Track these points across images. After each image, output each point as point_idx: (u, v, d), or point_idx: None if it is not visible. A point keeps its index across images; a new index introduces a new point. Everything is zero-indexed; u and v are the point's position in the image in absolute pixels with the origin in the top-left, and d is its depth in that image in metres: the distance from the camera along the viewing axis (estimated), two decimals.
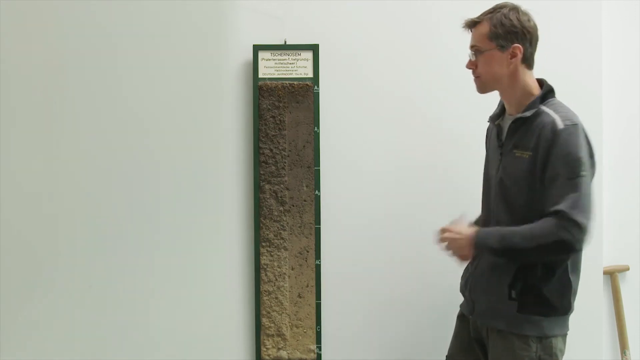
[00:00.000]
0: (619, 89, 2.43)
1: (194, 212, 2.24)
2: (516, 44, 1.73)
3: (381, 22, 2.26)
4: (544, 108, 1.72)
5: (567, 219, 1.59)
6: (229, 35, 2.25)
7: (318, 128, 2.22)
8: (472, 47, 1.80)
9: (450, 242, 1.77)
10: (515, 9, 1.75)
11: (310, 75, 2.22)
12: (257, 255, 2.21)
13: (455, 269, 2.25)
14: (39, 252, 2.23)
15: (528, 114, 1.72)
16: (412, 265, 2.24)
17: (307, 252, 2.21)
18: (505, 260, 1.71)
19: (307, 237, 2.21)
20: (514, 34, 1.73)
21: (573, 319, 2.23)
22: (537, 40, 1.77)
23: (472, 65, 1.81)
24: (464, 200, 2.25)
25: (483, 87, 1.81)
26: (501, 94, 1.83)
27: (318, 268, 2.21)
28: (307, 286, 2.21)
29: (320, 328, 2.21)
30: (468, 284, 1.87)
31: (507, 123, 1.80)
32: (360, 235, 2.25)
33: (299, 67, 2.22)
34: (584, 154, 1.64)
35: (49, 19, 2.18)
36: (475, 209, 2.28)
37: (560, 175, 1.62)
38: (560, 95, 2.25)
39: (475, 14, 2.26)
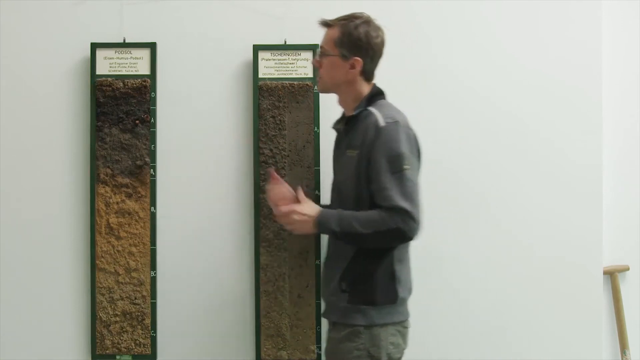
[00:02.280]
0: (619, 90, 2.42)
1: (193, 212, 2.24)
2: (357, 57, 1.80)
3: (382, 22, 2.25)
4: (370, 108, 1.81)
5: (397, 209, 1.68)
6: (229, 35, 2.25)
7: (318, 128, 2.22)
8: (320, 47, 1.89)
9: (295, 221, 1.82)
10: (367, 22, 1.82)
11: (310, 75, 2.22)
12: (257, 255, 2.21)
13: (455, 269, 2.26)
14: (39, 251, 2.25)
15: (355, 112, 1.83)
16: (411, 264, 2.23)
17: (307, 252, 2.21)
18: (345, 242, 1.78)
19: (307, 237, 2.20)
20: (357, 47, 1.80)
21: (573, 319, 2.25)
22: (380, 56, 1.85)
23: (317, 63, 1.90)
24: (463, 198, 2.26)
25: (323, 88, 1.92)
26: (338, 98, 1.92)
27: (318, 268, 2.21)
28: (307, 286, 2.21)
29: (320, 328, 2.21)
30: (321, 289, 1.97)
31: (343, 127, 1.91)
32: None
33: (299, 67, 2.22)
34: (405, 149, 1.73)
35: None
36: (473, 207, 2.29)
37: (384, 170, 1.71)
38: (560, 96, 2.27)
39: (472, 15, 2.28)
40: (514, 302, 2.26)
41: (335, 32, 1.82)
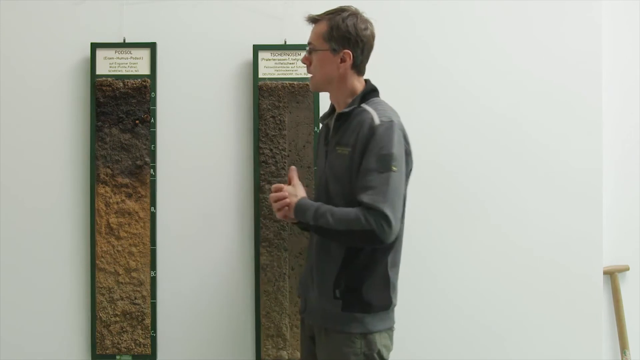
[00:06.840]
0: (618, 92, 2.42)
1: (193, 212, 2.24)
2: (347, 50, 1.76)
3: (379, 23, 2.25)
4: (364, 105, 1.76)
5: (376, 211, 1.63)
6: (229, 35, 2.25)
7: (318, 128, 2.22)
8: (309, 43, 1.83)
9: (282, 198, 1.79)
10: (355, 14, 1.78)
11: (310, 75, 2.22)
12: (257, 255, 2.21)
13: (453, 269, 2.26)
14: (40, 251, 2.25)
15: (347, 109, 1.77)
16: (411, 264, 2.23)
17: None
18: (318, 235, 1.76)
19: (307, 237, 2.20)
20: (346, 40, 1.76)
21: (573, 319, 2.25)
22: (370, 49, 1.80)
23: (306, 60, 1.84)
24: (463, 200, 2.26)
25: (315, 86, 1.86)
26: (330, 95, 1.86)
27: None
28: None
29: None
30: (301, 284, 1.91)
31: (333, 122, 1.84)
32: None
33: (299, 67, 2.22)
34: (396, 150, 1.68)
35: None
36: (474, 208, 2.28)
37: (372, 169, 1.67)
38: (559, 98, 2.27)
39: (470, 16, 2.27)
40: (514, 302, 2.26)
41: (323, 26, 1.78)
